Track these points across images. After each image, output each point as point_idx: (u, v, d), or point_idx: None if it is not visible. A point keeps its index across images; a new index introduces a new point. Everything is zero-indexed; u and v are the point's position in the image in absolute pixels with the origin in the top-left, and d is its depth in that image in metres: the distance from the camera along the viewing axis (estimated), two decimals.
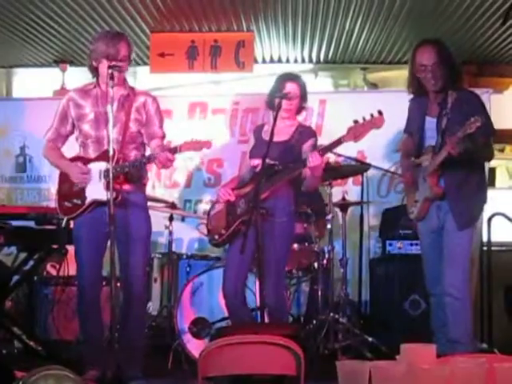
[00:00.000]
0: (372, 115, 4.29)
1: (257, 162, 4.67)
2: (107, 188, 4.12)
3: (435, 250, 4.56)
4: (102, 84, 4.46)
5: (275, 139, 4.54)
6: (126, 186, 4.43)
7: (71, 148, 4.70)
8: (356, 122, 4.31)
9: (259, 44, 8.04)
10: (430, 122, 4.56)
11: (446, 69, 4.47)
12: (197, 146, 4.33)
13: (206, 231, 5.12)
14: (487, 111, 4.62)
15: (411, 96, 4.75)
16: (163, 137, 4.64)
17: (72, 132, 4.63)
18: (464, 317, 4.41)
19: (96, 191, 4.36)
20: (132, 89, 4.63)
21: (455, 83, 4.51)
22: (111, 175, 4.09)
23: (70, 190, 4.46)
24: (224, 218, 4.82)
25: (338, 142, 4.42)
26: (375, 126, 4.33)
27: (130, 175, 4.40)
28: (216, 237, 4.83)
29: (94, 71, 4.56)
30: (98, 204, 4.37)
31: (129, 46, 4.51)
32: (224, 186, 5.01)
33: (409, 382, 2.37)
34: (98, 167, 4.40)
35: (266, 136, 4.77)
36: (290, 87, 4.77)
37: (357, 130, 4.31)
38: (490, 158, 4.69)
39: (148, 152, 4.63)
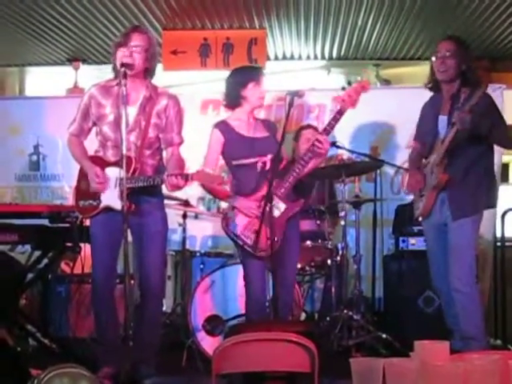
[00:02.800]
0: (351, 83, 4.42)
1: (254, 160, 4.50)
2: (121, 198, 4.08)
3: (439, 246, 4.54)
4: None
5: (255, 135, 4.55)
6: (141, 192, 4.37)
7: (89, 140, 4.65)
8: (344, 88, 4.38)
9: (271, 41, 8.04)
10: (443, 121, 4.54)
11: (458, 61, 4.47)
12: (208, 179, 4.26)
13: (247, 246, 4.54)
14: (499, 110, 4.60)
15: (424, 92, 4.73)
16: (180, 143, 4.55)
17: (94, 126, 4.54)
18: (474, 311, 4.37)
19: (111, 196, 4.32)
20: (154, 89, 4.49)
21: (469, 80, 4.50)
22: (124, 182, 4.06)
23: (86, 189, 4.42)
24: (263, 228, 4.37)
25: (340, 113, 4.37)
26: (364, 89, 4.41)
27: (143, 187, 4.32)
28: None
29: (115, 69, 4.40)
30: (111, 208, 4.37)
31: (144, 36, 4.38)
32: (241, 200, 4.52)
33: (422, 379, 2.37)
34: (115, 172, 4.31)
35: (242, 132, 4.60)
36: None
37: (351, 96, 4.35)
38: (508, 144, 4.66)
39: (164, 154, 4.58)
